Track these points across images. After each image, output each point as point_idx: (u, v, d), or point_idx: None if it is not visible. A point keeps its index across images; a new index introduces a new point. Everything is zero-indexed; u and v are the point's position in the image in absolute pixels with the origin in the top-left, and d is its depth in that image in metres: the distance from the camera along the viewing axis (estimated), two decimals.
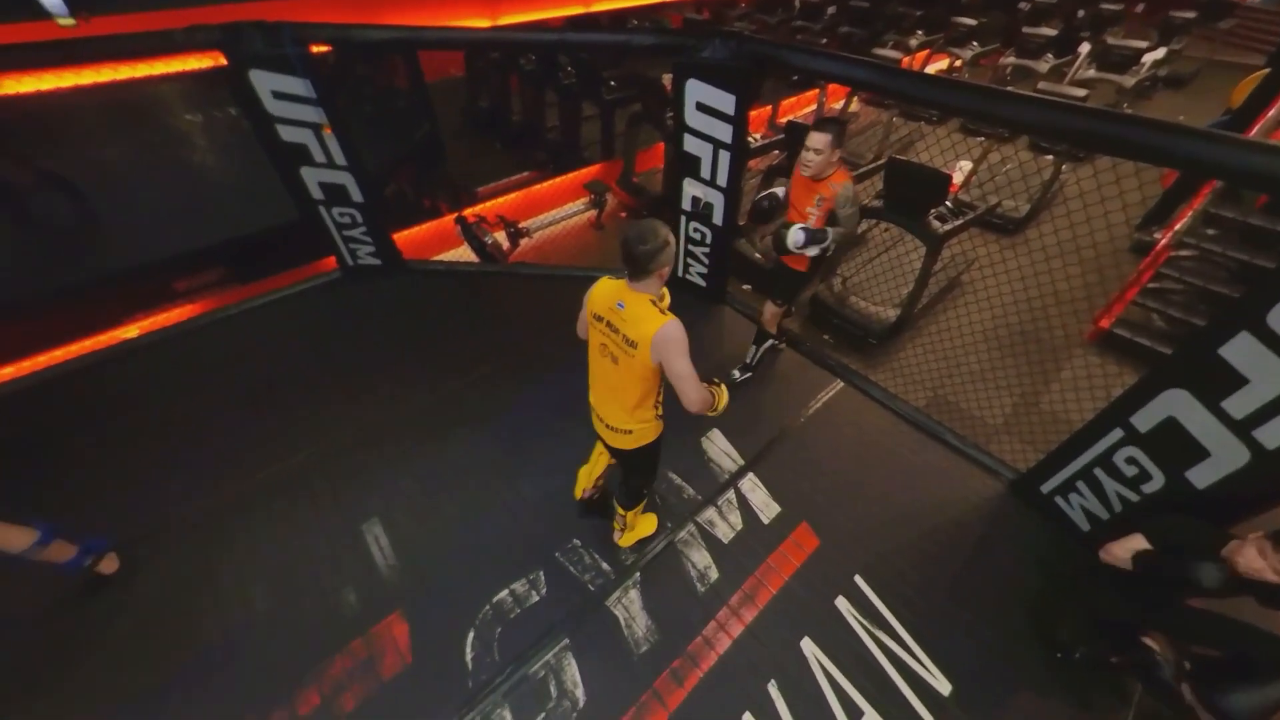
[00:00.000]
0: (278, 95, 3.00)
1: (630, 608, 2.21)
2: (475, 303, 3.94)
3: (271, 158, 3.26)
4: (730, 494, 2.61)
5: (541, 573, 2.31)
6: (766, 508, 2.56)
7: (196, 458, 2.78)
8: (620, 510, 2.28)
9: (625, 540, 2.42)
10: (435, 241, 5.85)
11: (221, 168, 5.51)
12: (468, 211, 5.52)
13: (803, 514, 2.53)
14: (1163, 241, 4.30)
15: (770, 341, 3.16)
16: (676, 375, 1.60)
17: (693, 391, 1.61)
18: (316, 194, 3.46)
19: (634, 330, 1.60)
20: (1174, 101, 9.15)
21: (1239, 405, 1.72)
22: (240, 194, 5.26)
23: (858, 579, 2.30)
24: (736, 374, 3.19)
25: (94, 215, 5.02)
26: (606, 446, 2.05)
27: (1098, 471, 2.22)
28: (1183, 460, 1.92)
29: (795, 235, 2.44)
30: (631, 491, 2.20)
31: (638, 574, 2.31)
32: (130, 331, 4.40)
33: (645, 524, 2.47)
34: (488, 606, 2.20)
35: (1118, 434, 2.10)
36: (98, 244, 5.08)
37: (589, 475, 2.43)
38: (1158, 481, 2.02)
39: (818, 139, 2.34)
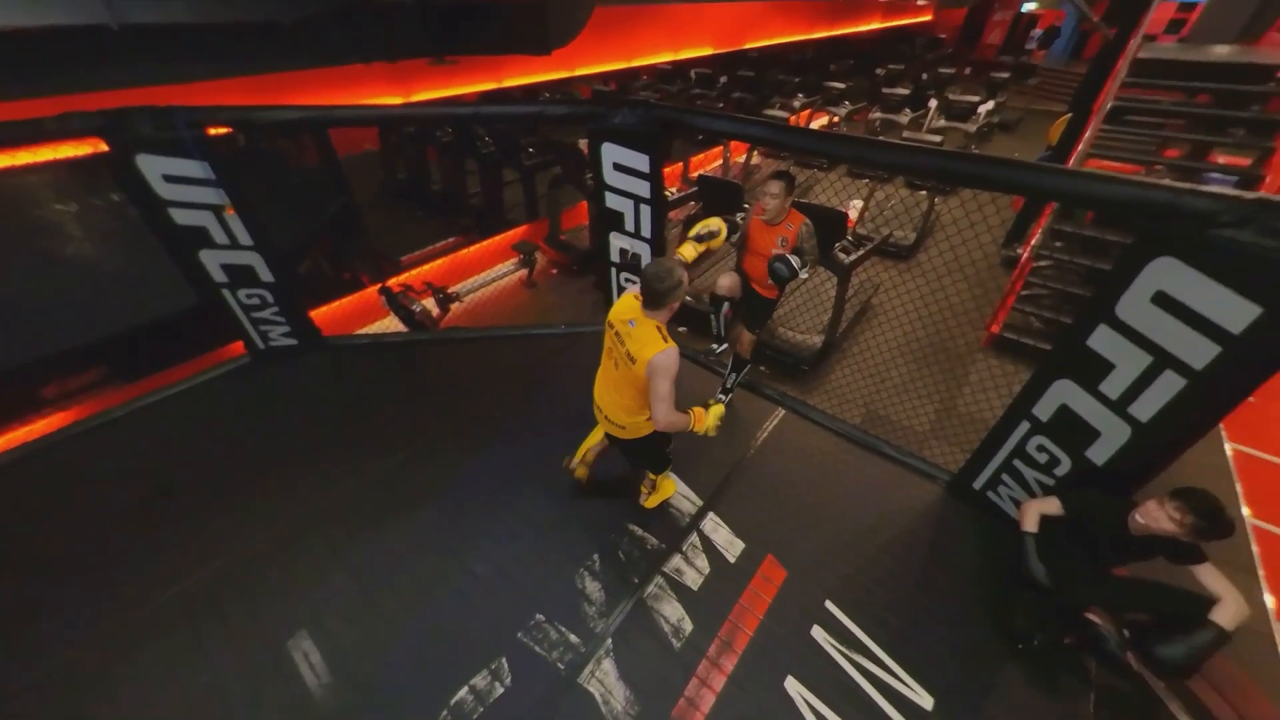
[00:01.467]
0: (170, 179, 2.82)
1: (606, 680, 2.04)
2: (406, 374, 3.74)
3: (164, 243, 3.01)
4: (694, 537, 2.57)
5: (504, 659, 2.10)
6: (731, 546, 2.53)
7: (68, 593, 2.32)
8: (650, 475, 2.56)
9: (650, 502, 2.64)
10: (358, 315, 5.59)
11: (100, 257, 4.99)
12: (392, 281, 5.35)
13: (767, 546, 2.52)
14: (1024, 255, 5.00)
15: (748, 365, 3.30)
16: (655, 394, 1.86)
17: (663, 414, 1.87)
18: (219, 277, 3.21)
19: (637, 349, 1.87)
20: (1008, 142, 11.00)
21: (1113, 387, 1.97)
22: (124, 283, 4.78)
23: (829, 605, 2.30)
24: (723, 397, 3.27)
25: None
26: (608, 435, 2.29)
27: (1016, 463, 2.43)
28: (1080, 442, 2.15)
29: (794, 261, 2.68)
30: (649, 468, 2.49)
31: (609, 641, 2.16)
32: None
33: (666, 486, 2.70)
34: (445, 712, 1.95)
35: (1025, 426, 2.33)
36: None
37: (584, 447, 2.63)
38: (1065, 464, 2.24)
39: (774, 186, 2.68)
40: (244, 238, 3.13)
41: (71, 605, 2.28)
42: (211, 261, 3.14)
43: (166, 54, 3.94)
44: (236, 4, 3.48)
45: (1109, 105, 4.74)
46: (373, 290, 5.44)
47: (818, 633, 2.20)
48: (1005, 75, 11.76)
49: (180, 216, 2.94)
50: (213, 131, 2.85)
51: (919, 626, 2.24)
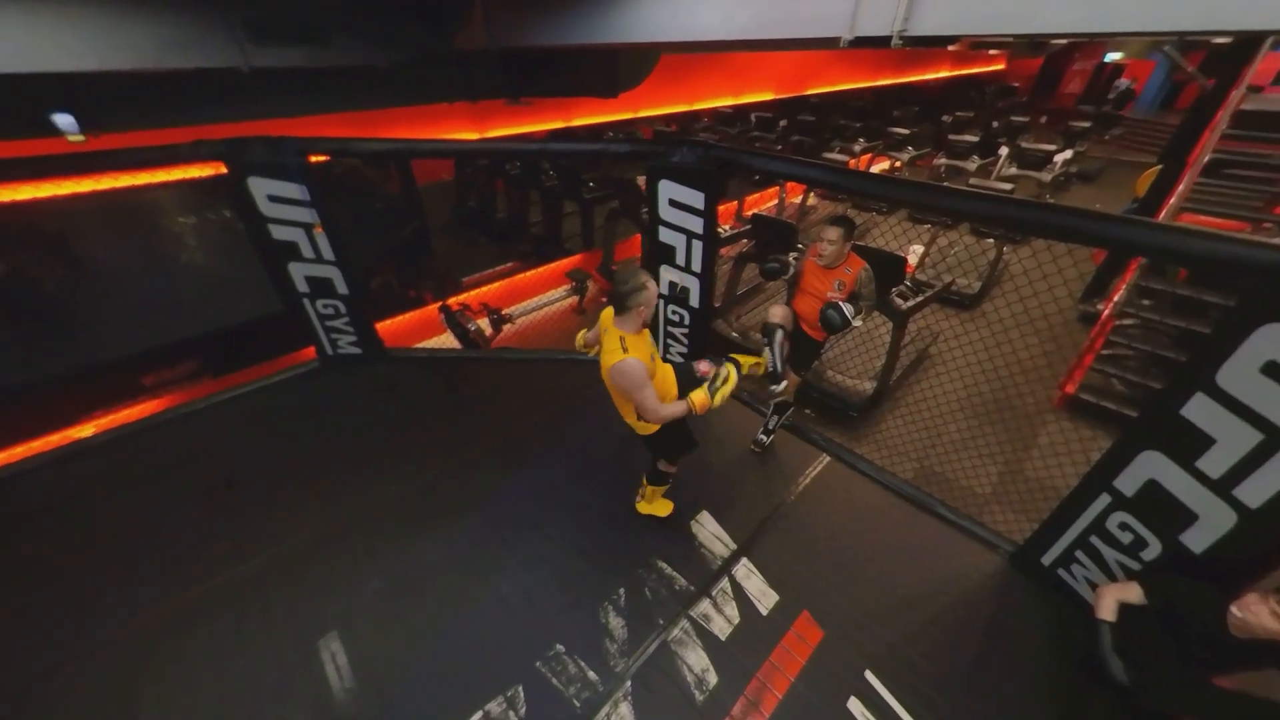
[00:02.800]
0: (273, 199, 3.17)
1: None
2: (455, 389, 3.90)
3: (261, 255, 3.36)
4: (724, 582, 2.45)
5: (520, 688, 2.05)
6: (764, 596, 2.40)
7: (134, 570, 2.51)
8: (645, 483, 2.62)
9: (642, 508, 2.69)
10: (418, 329, 5.93)
11: (206, 263, 5.63)
12: (452, 300, 5.66)
13: (803, 602, 2.37)
14: (1105, 312, 4.63)
15: (791, 408, 3.20)
16: (639, 406, 1.96)
17: (653, 416, 1.96)
18: (302, 287, 3.52)
19: (603, 358, 1.98)
20: (1087, 193, 10.38)
21: (1213, 465, 1.75)
22: (222, 288, 5.34)
23: (869, 675, 2.11)
24: (764, 438, 3.16)
25: (66, 312, 4.98)
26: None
27: (1094, 540, 2.18)
28: (1173, 525, 1.91)
29: (848, 309, 2.59)
30: (655, 472, 2.53)
31: (629, 683, 2.07)
32: (84, 430, 4.17)
33: (661, 506, 2.70)
34: None
35: (1105, 499, 2.09)
36: (65, 341, 4.98)
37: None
38: (1155, 548, 1.99)
39: (831, 232, 2.59)
40: (328, 253, 3.43)
41: (130, 584, 2.46)
42: (297, 273, 3.46)
43: (282, 92, 4.49)
44: (343, 51, 3.95)
45: (1206, 158, 4.40)
46: (433, 308, 5.78)
47: (854, 705, 2.01)
48: (1086, 125, 11.23)
49: (277, 232, 3.28)
50: (313, 159, 3.19)
51: (971, 713, 2.00)
